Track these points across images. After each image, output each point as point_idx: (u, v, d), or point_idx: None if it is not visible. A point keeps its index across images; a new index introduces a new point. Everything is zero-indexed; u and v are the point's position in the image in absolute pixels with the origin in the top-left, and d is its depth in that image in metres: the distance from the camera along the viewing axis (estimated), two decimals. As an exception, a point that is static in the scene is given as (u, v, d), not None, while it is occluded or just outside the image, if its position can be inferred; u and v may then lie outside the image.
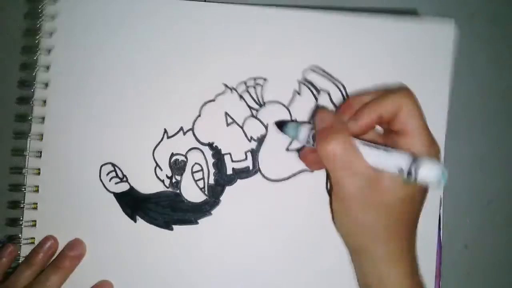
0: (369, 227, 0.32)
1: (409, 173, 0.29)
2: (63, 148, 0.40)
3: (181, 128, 0.39)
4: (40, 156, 0.40)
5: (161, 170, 0.39)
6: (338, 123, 0.33)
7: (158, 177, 0.39)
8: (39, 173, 0.40)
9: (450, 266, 0.40)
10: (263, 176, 0.39)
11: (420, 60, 0.39)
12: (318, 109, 0.38)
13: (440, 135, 0.37)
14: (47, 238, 0.39)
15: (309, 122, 0.38)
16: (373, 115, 0.32)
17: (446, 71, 0.38)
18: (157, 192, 0.40)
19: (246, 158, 0.39)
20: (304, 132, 0.35)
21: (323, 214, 0.38)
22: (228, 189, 0.39)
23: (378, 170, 0.31)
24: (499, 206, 0.40)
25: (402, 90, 0.33)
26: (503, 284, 0.40)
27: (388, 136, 0.34)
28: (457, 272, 0.40)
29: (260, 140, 0.39)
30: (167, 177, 0.39)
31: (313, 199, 0.39)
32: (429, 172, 0.29)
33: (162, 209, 0.40)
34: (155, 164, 0.39)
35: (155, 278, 0.39)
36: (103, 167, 0.40)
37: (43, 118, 0.40)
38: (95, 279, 0.39)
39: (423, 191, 0.33)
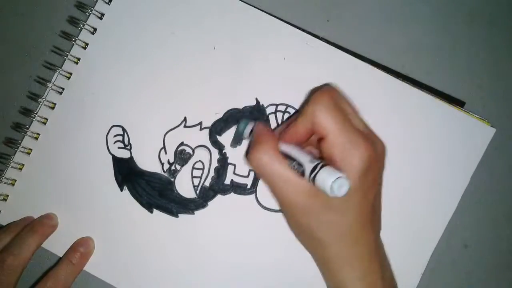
0: (308, 231, 0.32)
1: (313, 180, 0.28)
2: (79, 104, 0.40)
3: (200, 123, 0.39)
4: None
5: (166, 153, 0.39)
6: (266, 135, 0.32)
7: (160, 159, 0.39)
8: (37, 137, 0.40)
9: (449, 265, 0.39)
10: (257, 199, 0.39)
11: (450, 146, 0.38)
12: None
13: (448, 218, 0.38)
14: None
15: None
16: (295, 127, 0.32)
17: (471, 166, 0.38)
18: (153, 172, 0.40)
19: (248, 176, 0.39)
20: (249, 128, 0.35)
21: (297, 257, 0.38)
22: (219, 197, 0.39)
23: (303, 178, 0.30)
24: (499, 206, 0.40)
25: (315, 95, 0.31)
26: (503, 283, 0.40)
27: (319, 145, 0.32)
28: (457, 272, 0.39)
29: (268, 165, 0.39)
30: (168, 162, 0.39)
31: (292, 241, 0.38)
32: (323, 181, 0.27)
33: (151, 189, 0.40)
34: (162, 146, 0.39)
35: (128, 248, 0.40)
36: (113, 128, 0.40)
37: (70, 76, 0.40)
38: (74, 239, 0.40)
39: (353, 200, 0.31)
